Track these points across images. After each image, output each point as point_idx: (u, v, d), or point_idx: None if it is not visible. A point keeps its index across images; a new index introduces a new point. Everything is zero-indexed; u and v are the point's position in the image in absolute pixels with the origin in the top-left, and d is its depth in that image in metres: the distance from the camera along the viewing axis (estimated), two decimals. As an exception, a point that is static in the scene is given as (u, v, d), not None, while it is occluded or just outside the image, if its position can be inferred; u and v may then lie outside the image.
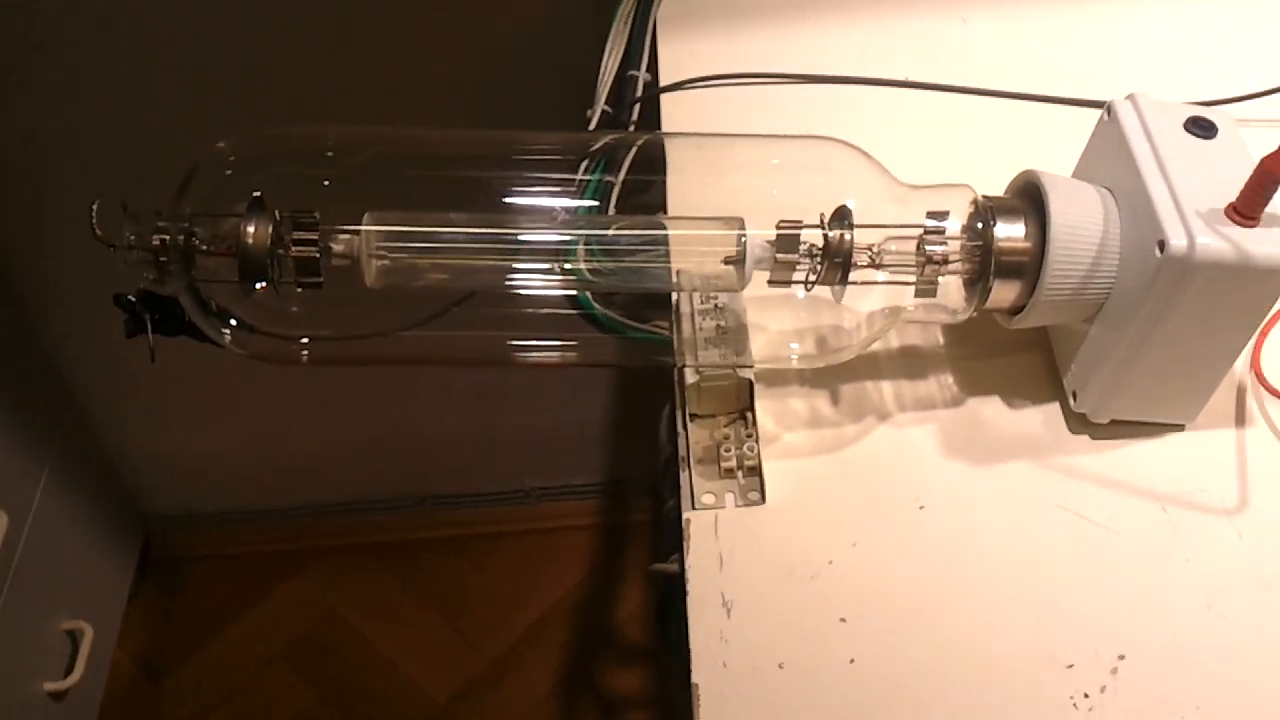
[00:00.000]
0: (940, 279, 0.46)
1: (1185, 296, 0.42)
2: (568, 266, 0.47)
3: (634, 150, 0.53)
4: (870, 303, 0.47)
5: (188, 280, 0.44)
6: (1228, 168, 0.43)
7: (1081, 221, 0.44)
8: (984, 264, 0.45)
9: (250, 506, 1.35)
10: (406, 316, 0.49)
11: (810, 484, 0.47)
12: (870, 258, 0.45)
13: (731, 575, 0.44)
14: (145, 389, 1.17)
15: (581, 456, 1.32)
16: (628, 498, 1.36)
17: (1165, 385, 0.46)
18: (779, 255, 0.45)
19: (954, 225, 0.45)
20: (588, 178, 0.52)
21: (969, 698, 0.41)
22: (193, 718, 1.24)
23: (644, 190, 0.52)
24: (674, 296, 0.49)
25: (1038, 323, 0.47)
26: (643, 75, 0.64)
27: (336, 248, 0.44)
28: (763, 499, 0.46)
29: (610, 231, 0.49)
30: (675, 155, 0.52)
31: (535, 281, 0.47)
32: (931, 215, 0.45)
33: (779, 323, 0.50)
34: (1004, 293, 0.46)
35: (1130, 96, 0.46)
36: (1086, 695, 0.41)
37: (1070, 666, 0.42)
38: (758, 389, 0.48)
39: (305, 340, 0.48)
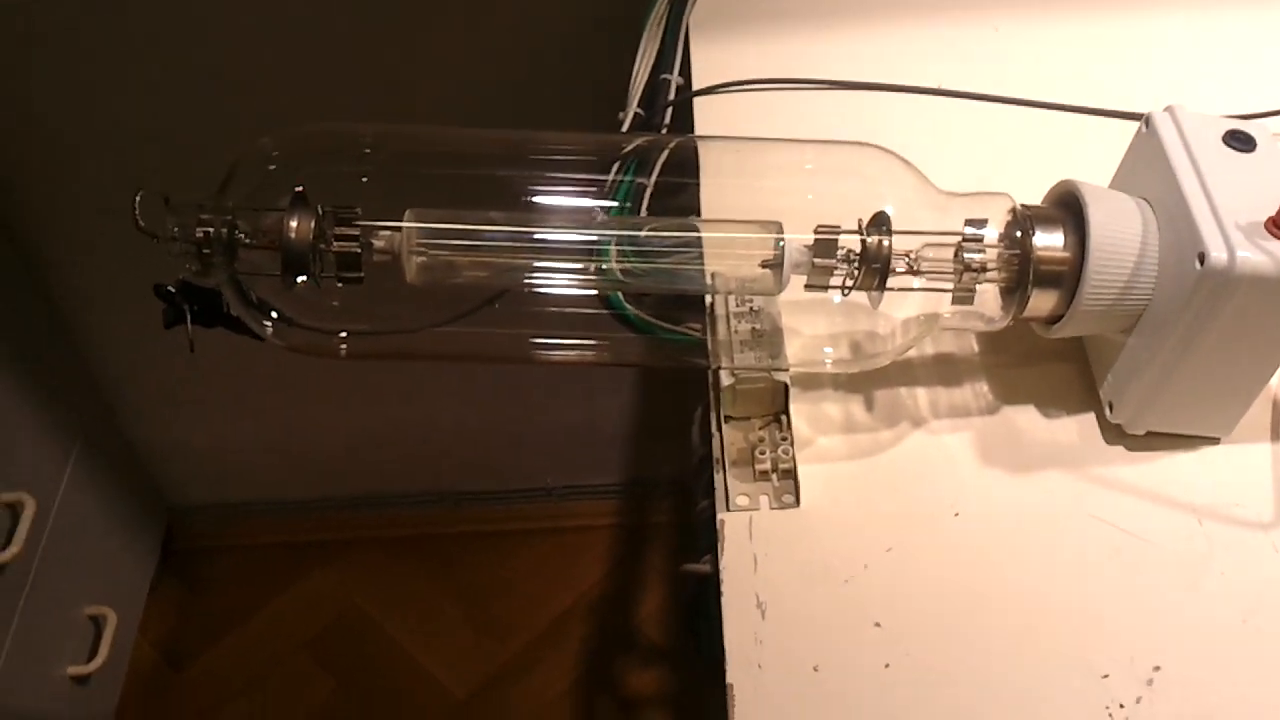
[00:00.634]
0: (977, 287, 0.46)
1: (1224, 309, 0.42)
2: (603, 267, 0.47)
3: (666, 152, 0.53)
4: (907, 309, 0.47)
5: (230, 272, 0.45)
6: (1267, 181, 0.43)
7: (1121, 233, 0.44)
8: (1022, 273, 0.45)
9: (272, 499, 1.36)
10: (442, 313, 0.49)
11: (845, 488, 0.47)
12: (908, 264, 0.45)
13: (766, 577, 0.44)
14: (171, 381, 1.18)
15: (604, 456, 1.33)
16: (649, 499, 1.36)
17: (1202, 398, 0.46)
18: (817, 260, 0.45)
19: (992, 233, 0.45)
20: (620, 179, 0.52)
21: (1004, 706, 0.41)
22: (213, 706, 1.25)
23: (676, 193, 0.52)
24: (708, 299, 0.49)
25: (1075, 333, 0.47)
26: (675, 79, 0.64)
27: (378, 243, 0.45)
28: (797, 502, 0.46)
29: (645, 233, 0.49)
30: (710, 158, 0.52)
31: (569, 281, 0.48)
32: (970, 223, 0.45)
33: (814, 327, 0.50)
34: (1042, 302, 0.46)
35: (1169, 108, 0.46)
36: (1122, 706, 0.41)
37: (1106, 677, 0.42)
38: (792, 392, 0.48)
39: (344, 334, 0.48)
